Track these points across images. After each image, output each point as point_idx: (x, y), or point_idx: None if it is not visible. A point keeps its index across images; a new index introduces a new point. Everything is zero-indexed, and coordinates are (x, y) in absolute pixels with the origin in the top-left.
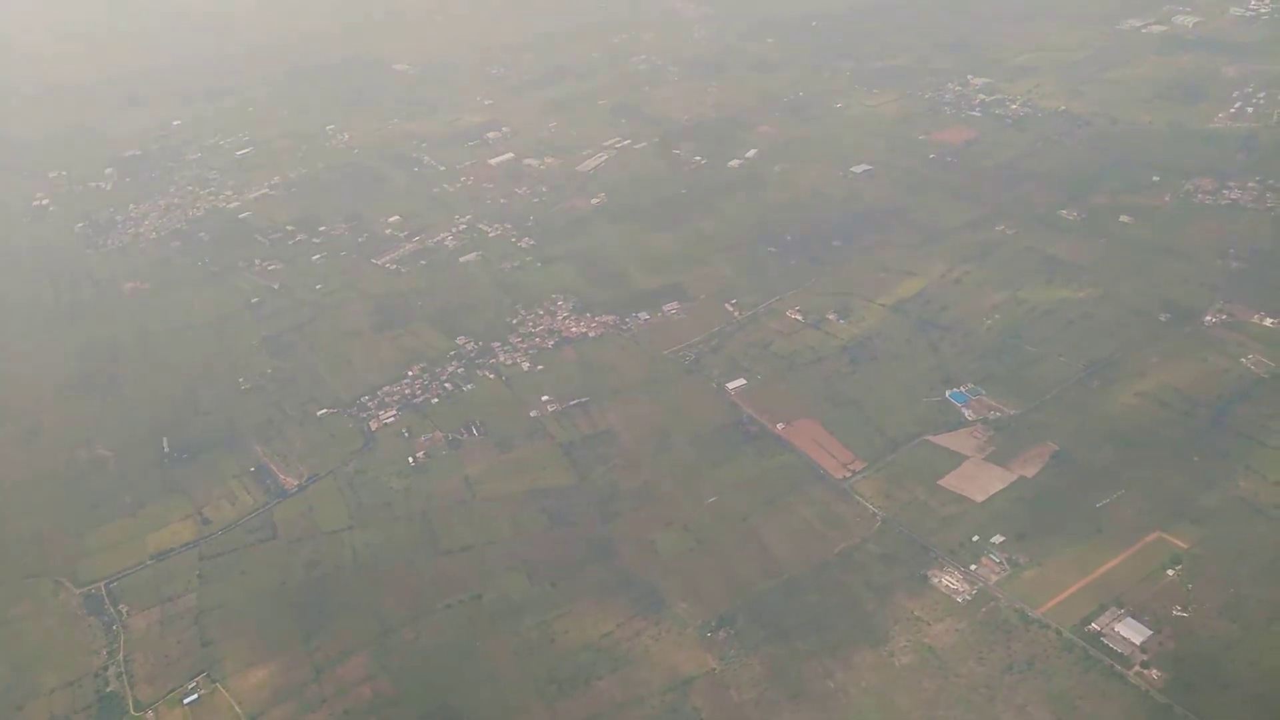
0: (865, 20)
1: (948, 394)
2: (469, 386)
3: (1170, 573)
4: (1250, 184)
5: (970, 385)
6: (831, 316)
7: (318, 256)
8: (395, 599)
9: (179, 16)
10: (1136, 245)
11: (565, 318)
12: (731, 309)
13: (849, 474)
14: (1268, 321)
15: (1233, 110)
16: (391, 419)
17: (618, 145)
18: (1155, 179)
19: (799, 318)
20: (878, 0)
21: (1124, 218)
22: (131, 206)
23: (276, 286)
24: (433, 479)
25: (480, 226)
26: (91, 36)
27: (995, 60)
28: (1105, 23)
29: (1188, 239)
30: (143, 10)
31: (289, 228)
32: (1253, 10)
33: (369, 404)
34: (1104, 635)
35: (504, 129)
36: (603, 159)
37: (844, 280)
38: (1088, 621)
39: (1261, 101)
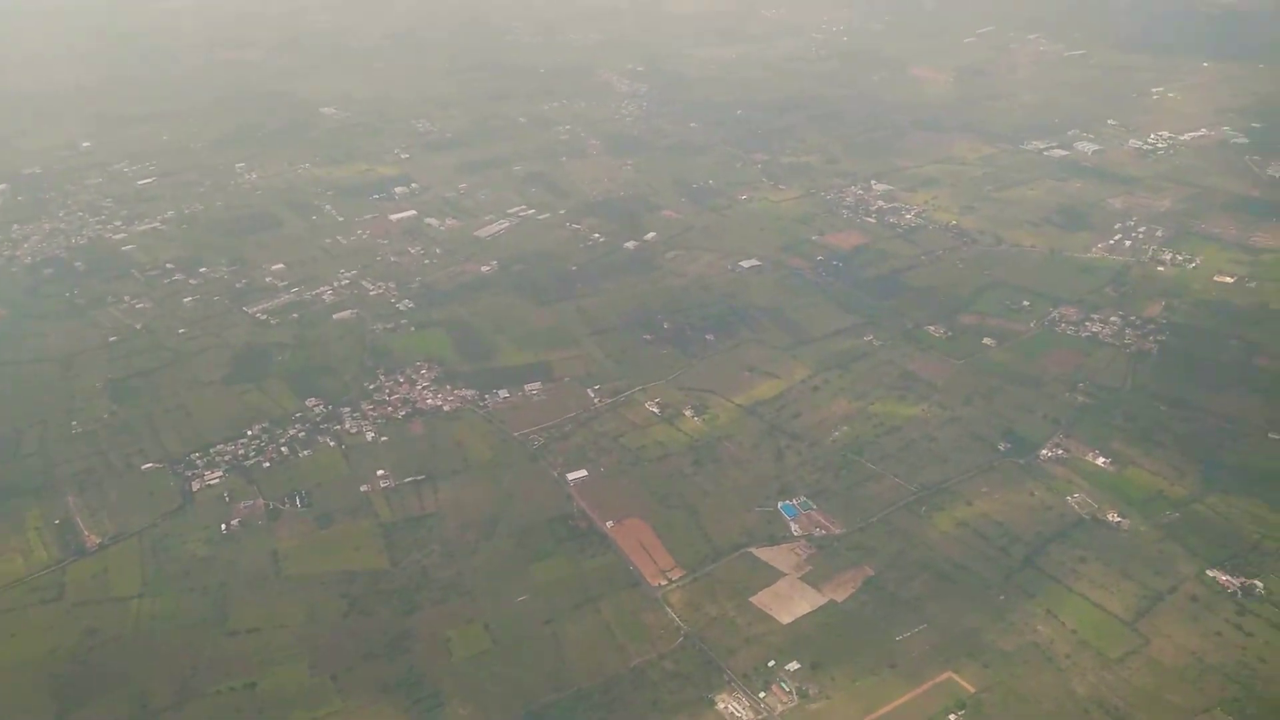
0: (789, 114)
1: (780, 505)
2: (306, 453)
3: (953, 717)
4: (1113, 318)
5: (803, 499)
6: (688, 412)
7: (190, 299)
8: (166, 679)
9: (121, 38)
10: (992, 369)
11: (424, 388)
12: (593, 395)
13: (665, 582)
14: (1100, 460)
15: (1111, 242)
16: (216, 480)
17: (521, 214)
18: (1025, 304)
19: (655, 410)
20: (806, 96)
21: (987, 340)
22: (15, 227)
23: (139, 326)
24: (241, 550)
25: (364, 283)
26: (19, 46)
27: (901, 169)
28: (1012, 142)
29: (1042, 368)
30: (83, 28)
31: (169, 265)
32: (1149, 144)
33: (198, 461)
34: None
35: (413, 185)
36: (504, 226)
37: (708, 375)
38: None
39: (1140, 236)
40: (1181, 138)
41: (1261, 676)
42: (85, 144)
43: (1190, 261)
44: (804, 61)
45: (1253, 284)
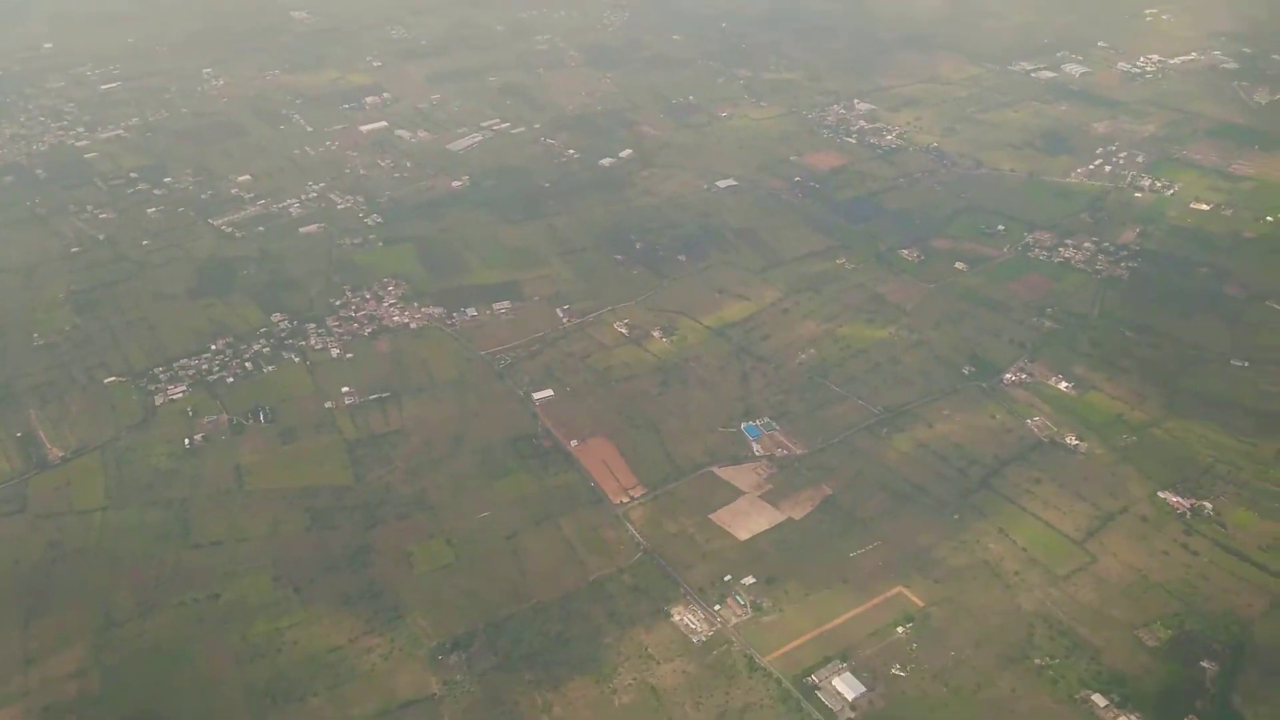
0: (776, 28)
1: (743, 426)
2: (270, 368)
3: (900, 630)
4: (1086, 244)
5: (766, 420)
6: (656, 333)
7: (154, 210)
8: (129, 590)
9: None
10: (962, 294)
11: (391, 305)
12: (561, 315)
13: (626, 499)
14: (1062, 385)
15: (1091, 167)
16: (179, 394)
17: (495, 127)
18: (1000, 228)
19: (624, 331)
20: (794, 9)
21: (959, 264)
22: None
23: (102, 237)
24: (204, 464)
25: (331, 196)
26: None
27: (885, 88)
28: (999, 62)
29: (1012, 293)
30: None
31: (133, 175)
32: (1139, 68)
33: (161, 376)
34: (819, 688)
35: (385, 95)
36: (477, 140)
37: (678, 297)
38: (808, 673)
39: (1121, 162)
40: (1171, 61)
41: (1203, 593)
42: (47, 45)
43: (1169, 188)
44: None
45: (1228, 211)
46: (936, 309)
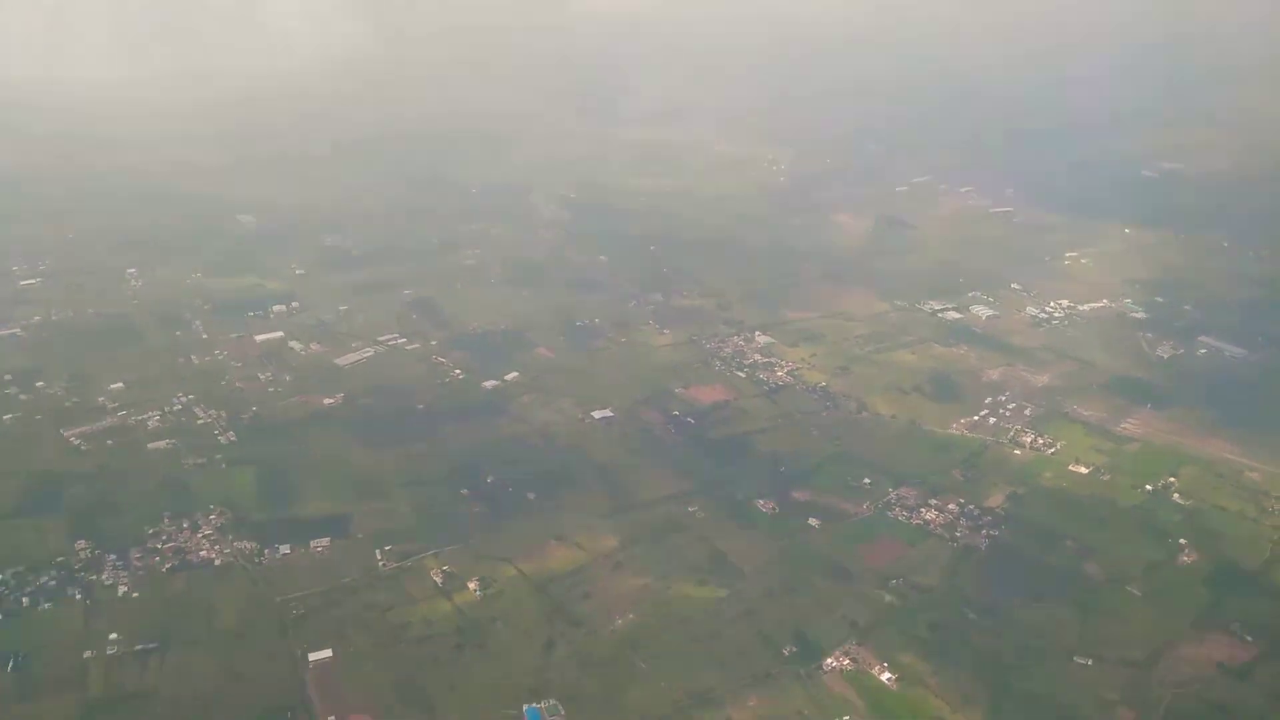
0: (702, 254)
1: (525, 709)
2: (46, 605)
3: None
4: (951, 504)
5: (552, 702)
6: (472, 585)
7: (10, 415)
8: None
9: (67, 126)
10: (808, 556)
11: (204, 536)
12: (380, 557)
13: None
14: (885, 676)
15: (976, 418)
16: None
17: (392, 342)
18: (866, 481)
19: (439, 580)
20: (723, 235)
21: (813, 520)
22: None
23: None
24: None
25: (196, 410)
26: None
27: (790, 320)
28: (909, 299)
29: (860, 558)
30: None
31: (6, 376)
32: (1046, 313)
33: None
34: None
35: (293, 304)
36: (368, 354)
37: (511, 541)
38: None
39: (1008, 414)
40: (1080, 308)
41: None
42: None
43: (1050, 446)
44: (733, 199)
45: (1106, 476)
46: (776, 573)
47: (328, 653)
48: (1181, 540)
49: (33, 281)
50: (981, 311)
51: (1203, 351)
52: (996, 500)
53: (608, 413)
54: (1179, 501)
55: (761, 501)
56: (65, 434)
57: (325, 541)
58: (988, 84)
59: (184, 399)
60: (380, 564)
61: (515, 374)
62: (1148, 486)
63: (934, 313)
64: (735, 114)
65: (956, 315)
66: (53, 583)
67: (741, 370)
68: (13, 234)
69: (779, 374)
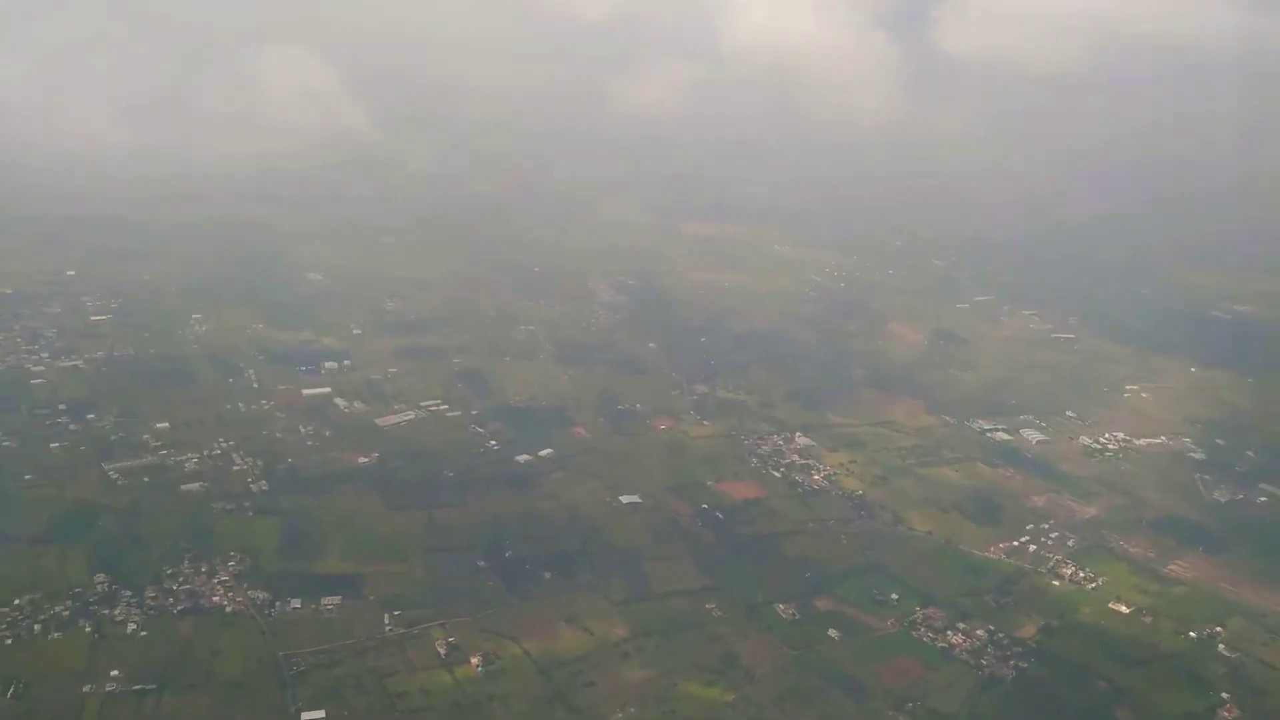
0: (752, 349)
1: None
2: (57, 635)
3: None
4: (980, 630)
5: None
6: (475, 659)
7: (58, 444)
8: None
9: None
10: (823, 667)
11: (220, 582)
12: (388, 621)
13: None
14: None
15: (1015, 543)
16: None
17: (434, 408)
18: (894, 596)
19: (442, 651)
20: (775, 334)
21: (832, 631)
22: None
23: None
24: None
25: (234, 456)
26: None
27: (832, 425)
28: (958, 416)
29: (878, 676)
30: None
31: (61, 406)
32: (1100, 444)
33: None
34: None
35: (345, 361)
36: (410, 417)
37: (520, 619)
38: None
39: (1049, 542)
40: (1137, 442)
41: None
42: (70, 272)
43: (1091, 581)
44: (790, 300)
45: (1148, 619)
46: (788, 680)
47: (321, 713)
48: (1224, 694)
49: (103, 318)
50: (1032, 436)
51: (1263, 499)
52: (1029, 631)
53: (635, 499)
54: (1224, 653)
55: (782, 606)
56: (106, 467)
57: (337, 599)
58: (1059, 208)
59: (224, 444)
60: (387, 628)
61: (550, 450)
62: (1192, 634)
63: (983, 432)
64: (799, 214)
65: (1006, 436)
66: (66, 613)
67: (778, 470)
68: (93, 272)
69: (815, 477)
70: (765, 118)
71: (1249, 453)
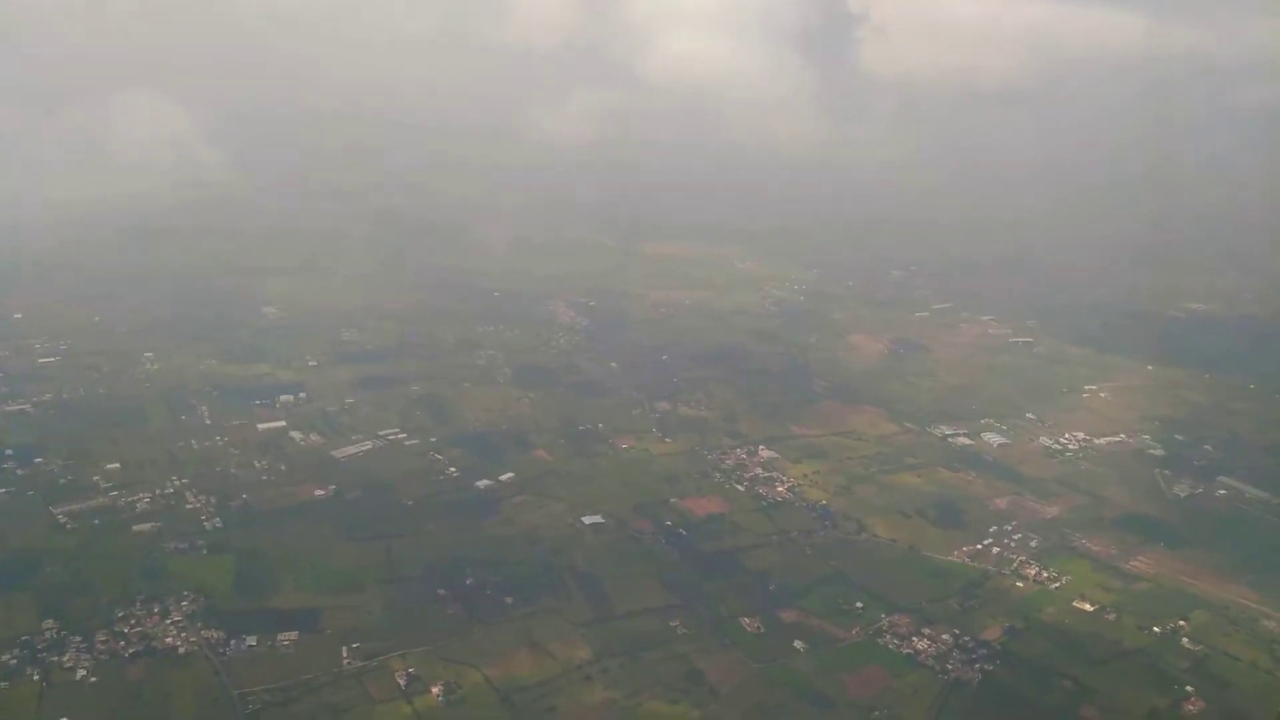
0: (713, 365)
1: None
2: (3, 684)
3: None
4: (945, 635)
5: None
6: (436, 689)
7: (2, 490)
8: None
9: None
10: (789, 681)
11: (173, 623)
12: (346, 654)
13: None
14: None
15: (979, 546)
16: None
17: (392, 437)
18: (859, 605)
19: (402, 683)
20: (736, 350)
21: (798, 643)
22: None
23: None
24: None
25: (187, 494)
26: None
27: (795, 436)
28: (920, 423)
29: (843, 687)
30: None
31: (8, 452)
32: (1060, 444)
33: None
34: None
35: (301, 394)
36: (367, 447)
37: (482, 646)
38: None
39: (1012, 544)
40: (1097, 441)
41: None
42: (16, 315)
43: (1055, 581)
44: (751, 315)
45: (1112, 615)
46: (753, 696)
47: None
48: (1189, 688)
49: (51, 360)
50: (993, 439)
51: (1222, 493)
52: (994, 633)
53: (598, 519)
54: (1188, 646)
55: (747, 620)
56: (54, 511)
57: (293, 635)
58: (1015, 217)
59: (177, 482)
60: (345, 661)
61: (511, 474)
62: (1155, 629)
63: (944, 437)
64: (761, 234)
65: (967, 441)
66: (14, 661)
67: (741, 484)
68: (40, 314)
69: (779, 489)
70: (683, 145)
71: (1207, 447)
